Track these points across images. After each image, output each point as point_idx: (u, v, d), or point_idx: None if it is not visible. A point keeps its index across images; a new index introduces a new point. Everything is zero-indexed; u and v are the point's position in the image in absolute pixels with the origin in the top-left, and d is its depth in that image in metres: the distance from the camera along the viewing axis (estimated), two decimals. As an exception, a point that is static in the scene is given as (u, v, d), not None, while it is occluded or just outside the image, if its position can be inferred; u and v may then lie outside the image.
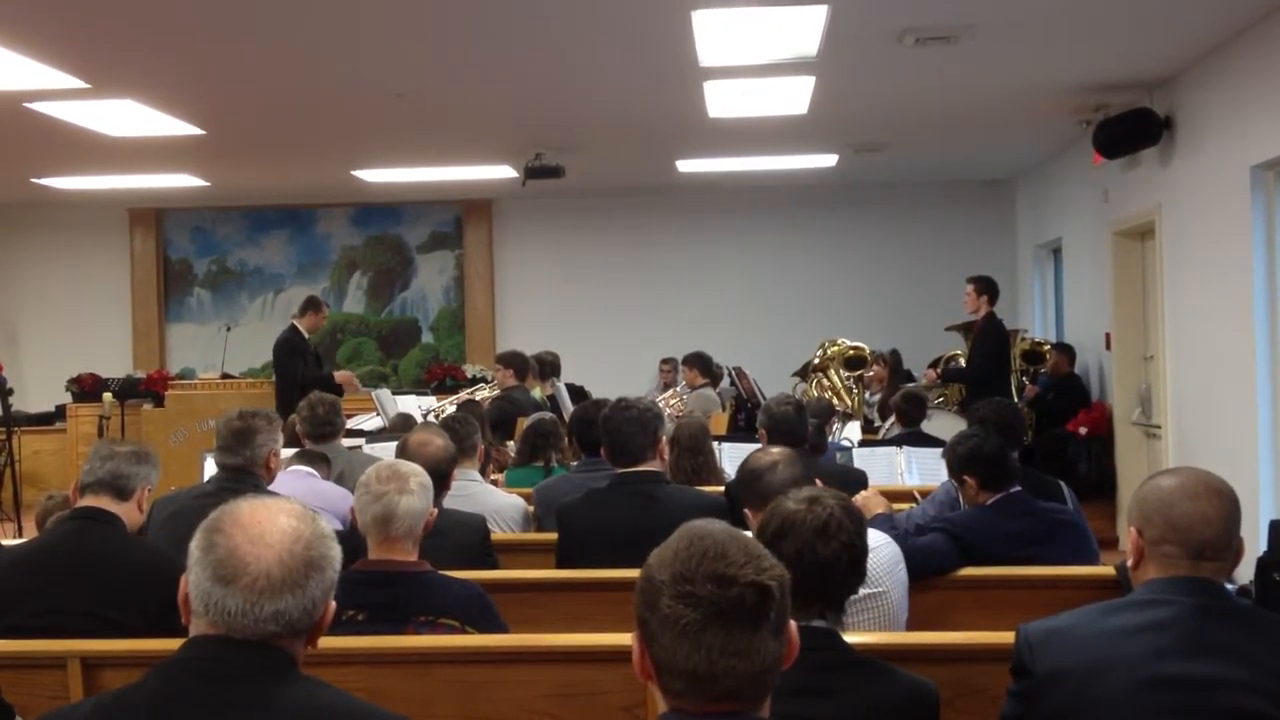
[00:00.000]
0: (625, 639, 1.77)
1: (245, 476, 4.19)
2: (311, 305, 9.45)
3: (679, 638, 1.64)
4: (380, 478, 3.25)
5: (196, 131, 8.31)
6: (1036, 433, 9.59)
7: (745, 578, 1.66)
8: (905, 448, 6.56)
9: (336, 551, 1.98)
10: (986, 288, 8.90)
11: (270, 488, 4.38)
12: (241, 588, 1.86)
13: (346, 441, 5.86)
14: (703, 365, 9.79)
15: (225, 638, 1.88)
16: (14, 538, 8.43)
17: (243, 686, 1.85)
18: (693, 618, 1.64)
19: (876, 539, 3.18)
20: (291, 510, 1.97)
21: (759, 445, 5.43)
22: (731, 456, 6.28)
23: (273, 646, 1.89)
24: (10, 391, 10.62)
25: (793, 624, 1.73)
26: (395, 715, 1.97)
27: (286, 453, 5.21)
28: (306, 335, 9.32)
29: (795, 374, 10.85)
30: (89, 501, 3.48)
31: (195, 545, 1.92)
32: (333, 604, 1.99)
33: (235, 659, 1.87)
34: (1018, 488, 4.12)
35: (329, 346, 12.51)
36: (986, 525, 4.00)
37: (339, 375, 9.66)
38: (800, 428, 4.98)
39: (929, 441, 6.81)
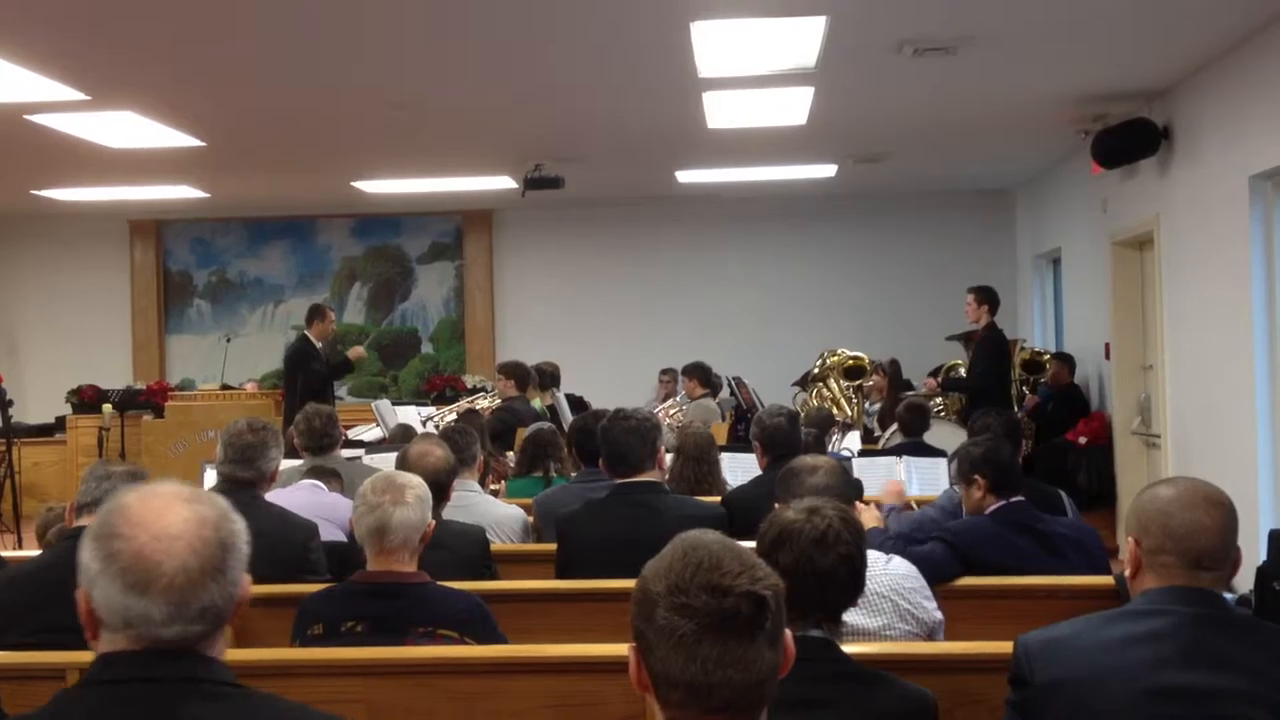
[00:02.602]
0: (624, 650, 1.77)
1: (248, 489, 4.18)
2: (316, 313, 9.47)
3: (675, 649, 1.64)
4: (376, 489, 3.24)
5: (196, 143, 8.32)
6: (1036, 442, 9.59)
7: (740, 588, 1.65)
8: (905, 458, 6.57)
9: (242, 524, 1.84)
10: (987, 297, 8.91)
11: (279, 501, 4.38)
12: (161, 591, 1.71)
13: (346, 452, 5.86)
14: (702, 375, 9.80)
15: (144, 653, 1.73)
16: (14, 549, 8.43)
17: (170, 705, 1.72)
18: (688, 629, 1.64)
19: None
20: (182, 494, 1.81)
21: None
22: (731, 467, 6.29)
23: (196, 654, 1.75)
24: (10, 403, 10.61)
25: (789, 634, 1.73)
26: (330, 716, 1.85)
27: (291, 463, 5.23)
28: (318, 344, 9.33)
29: (795, 384, 10.86)
30: (86, 521, 3.48)
31: (90, 556, 1.74)
32: (248, 577, 1.84)
33: (160, 675, 1.73)
34: (1021, 497, 4.13)
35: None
36: (985, 534, 4.00)
37: (351, 352, 9.85)
38: (794, 438, 4.98)
39: (929, 451, 6.83)
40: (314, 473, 4.94)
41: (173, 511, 1.76)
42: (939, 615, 3.27)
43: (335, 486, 4.89)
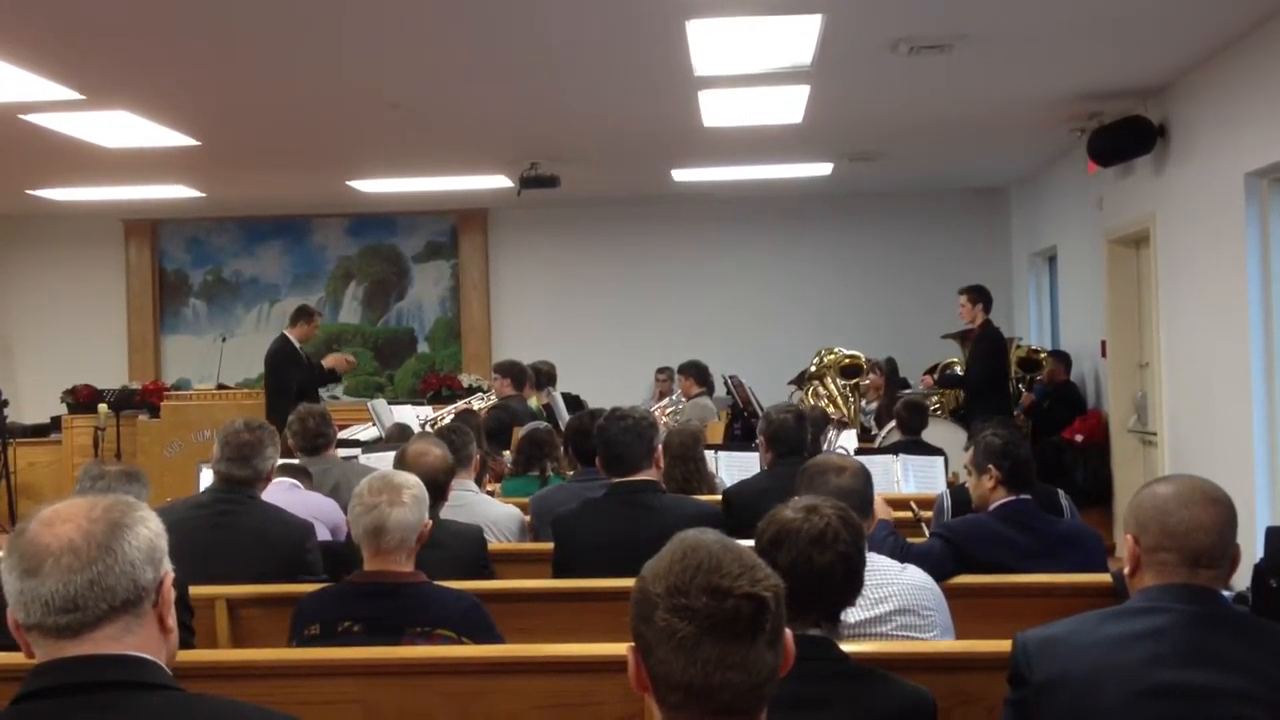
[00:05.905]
0: (621, 649, 1.76)
1: (244, 489, 4.16)
2: (303, 315, 9.42)
3: (674, 651, 1.63)
4: (373, 489, 3.24)
5: (192, 143, 8.30)
6: (1033, 441, 9.57)
7: (740, 589, 1.64)
8: (902, 455, 6.56)
9: (146, 514, 1.90)
10: (980, 296, 8.91)
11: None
12: (48, 571, 1.78)
13: (341, 452, 5.84)
14: (698, 374, 9.79)
15: (68, 660, 1.78)
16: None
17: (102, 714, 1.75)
18: (688, 630, 1.63)
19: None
20: (93, 499, 1.89)
21: (756, 454, 5.45)
22: (728, 465, 6.30)
23: (124, 657, 1.79)
24: (5, 403, 10.61)
25: (788, 634, 1.72)
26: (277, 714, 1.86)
27: (287, 464, 5.19)
28: (299, 345, 9.29)
29: (791, 382, 10.85)
30: None
31: (4, 567, 1.82)
32: (170, 569, 1.89)
33: (84, 685, 1.76)
34: (1028, 496, 4.13)
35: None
36: (985, 531, 4.00)
37: (328, 360, 9.54)
38: (800, 436, 4.98)
39: (926, 450, 6.82)
40: (282, 470, 4.87)
41: (72, 505, 1.85)
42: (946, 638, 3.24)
43: (306, 484, 4.85)
